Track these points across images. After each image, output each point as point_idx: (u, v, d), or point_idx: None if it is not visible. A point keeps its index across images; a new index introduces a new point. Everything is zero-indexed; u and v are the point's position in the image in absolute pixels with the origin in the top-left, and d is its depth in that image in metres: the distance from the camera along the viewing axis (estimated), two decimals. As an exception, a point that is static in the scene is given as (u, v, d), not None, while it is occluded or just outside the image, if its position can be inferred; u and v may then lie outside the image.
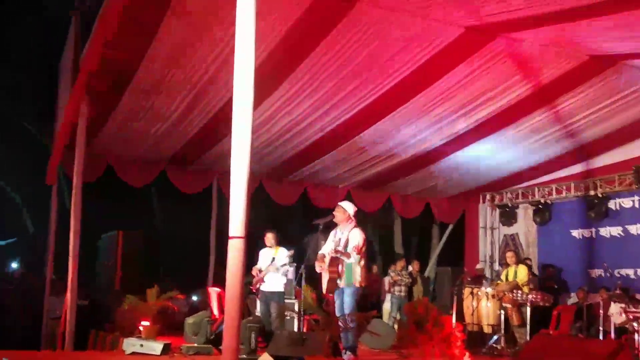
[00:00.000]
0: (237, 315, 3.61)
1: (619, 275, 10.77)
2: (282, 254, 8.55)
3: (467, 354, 6.41)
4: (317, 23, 6.69)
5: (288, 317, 8.61)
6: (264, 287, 8.49)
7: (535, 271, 11.90)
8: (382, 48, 7.19)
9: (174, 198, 13.55)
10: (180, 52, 7.26)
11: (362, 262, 7.29)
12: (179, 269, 15.26)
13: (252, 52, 3.91)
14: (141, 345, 7.43)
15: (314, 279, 8.83)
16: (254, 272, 8.54)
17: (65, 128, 9.13)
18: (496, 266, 13.25)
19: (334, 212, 7.60)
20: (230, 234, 3.61)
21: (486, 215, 13.80)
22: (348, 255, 7.14)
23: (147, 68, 7.63)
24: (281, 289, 8.42)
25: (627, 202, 11.26)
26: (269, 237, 8.71)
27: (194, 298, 12.67)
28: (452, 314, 8.59)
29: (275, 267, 8.38)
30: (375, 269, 13.06)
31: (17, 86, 18.67)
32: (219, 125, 9.00)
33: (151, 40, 6.96)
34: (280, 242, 8.81)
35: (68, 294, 7.86)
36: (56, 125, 11.03)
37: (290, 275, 8.93)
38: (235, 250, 3.59)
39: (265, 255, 8.65)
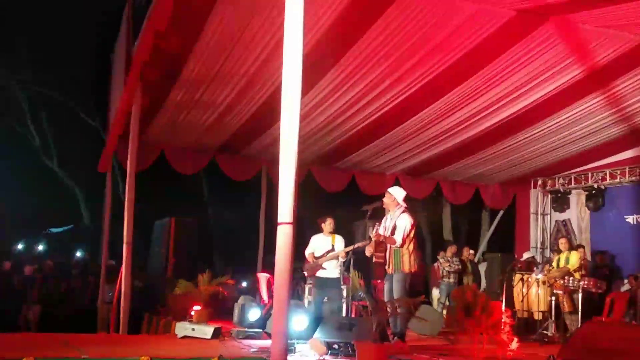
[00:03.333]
0: (286, 300, 3.68)
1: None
2: (341, 242, 8.63)
3: (516, 340, 6.36)
4: (365, 8, 6.66)
5: (341, 304, 8.70)
6: (322, 274, 8.59)
7: (588, 258, 11.70)
8: (432, 33, 7.11)
9: (225, 186, 13.79)
10: (229, 41, 7.34)
11: (412, 248, 7.29)
12: (230, 255, 15.53)
13: (301, 40, 3.95)
14: (193, 329, 7.63)
15: (362, 265, 8.88)
16: (309, 258, 8.65)
17: (119, 117, 9.36)
18: (547, 252, 13.06)
19: (383, 199, 7.63)
20: (279, 220, 3.68)
21: (537, 200, 13.60)
22: (393, 241, 7.15)
23: (197, 58, 7.77)
24: (339, 275, 8.51)
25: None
26: (329, 224, 8.76)
27: (244, 284, 12.89)
28: (501, 301, 8.52)
29: (336, 254, 8.48)
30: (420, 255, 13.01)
31: (73, 78, 19.18)
32: (267, 113, 9.10)
33: (201, 31, 7.08)
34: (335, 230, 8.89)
35: (122, 279, 8.09)
36: (110, 115, 11.33)
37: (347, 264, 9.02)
38: (284, 236, 3.65)
39: (321, 242, 8.72)
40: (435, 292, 11.78)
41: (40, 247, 20.44)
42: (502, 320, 6.12)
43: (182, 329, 7.70)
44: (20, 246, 19.66)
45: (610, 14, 6.50)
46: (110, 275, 11.20)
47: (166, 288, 10.50)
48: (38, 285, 12.12)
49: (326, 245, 8.60)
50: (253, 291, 10.96)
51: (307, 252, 8.63)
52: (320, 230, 8.78)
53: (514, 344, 6.28)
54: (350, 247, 8.29)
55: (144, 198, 9.44)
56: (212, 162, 11.90)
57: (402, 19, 6.80)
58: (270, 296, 9.18)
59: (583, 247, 11.80)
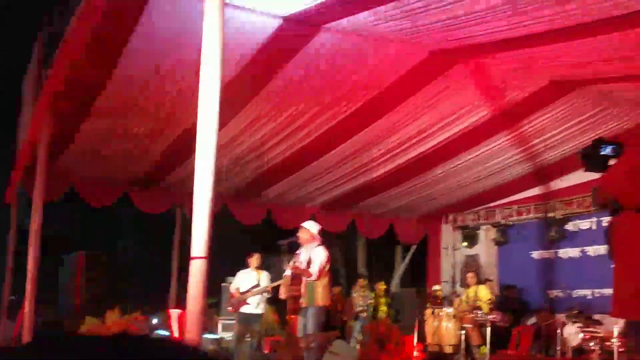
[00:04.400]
0: (198, 335, 3.63)
1: (576, 296, 11.00)
2: (267, 277, 8.59)
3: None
4: (284, 46, 6.77)
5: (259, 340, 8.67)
6: (246, 309, 8.52)
7: (496, 292, 12.07)
8: (347, 72, 7.30)
9: (138, 220, 13.46)
10: (146, 73, 7.26)
11: (326, 281, 7.35)
12: (141, 291, 15.13)
13: (218, 73, 3.97)
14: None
15: (275, 300, 8.86)
16: (235, 293, 8.57)
17: (26, 147, 9.04)
18: (458, 287, 13.39)
19: (297, 234, 7.67)
20: (193, 254, 3.64)
21: (448, 236, 13.97)
22: (309, 274, 7.19)
23: (112, 89, 7.60)
24: (262, 311, 8.46)
25: (585, 224, 11.49)
26: (255, 259, 8.73)
27: (155, 320, 12.57)
28: (413, 334, 8.68)
29: (260, 289, 8.42)
30: (336, 289, 13.09)
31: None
32: (183, 146, 9.01)
33: (117, 61, 6.95)
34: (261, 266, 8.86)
35: (24, 315, 7.73)
36: (17, 143, 10.91)
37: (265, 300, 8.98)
38: (197, 270, 3.61)
39: (246, 277, 8.66)
40: (351, 326, 11.85)
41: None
42: (414, 354, 6.22)
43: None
44: None
45: (519, 56, 6.87)
46: (12, 310, 10.68)
47: (73, 324, 10.12)
48: None
49: (252, 280, 8.56)
50: (164, 327, 10.70)
51: (233, 287, 8.59)
52: (246, 266, 8.75)
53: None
54: (277, 283, 8.28)
55: (53, 231, 9.13)
56: (126, 195, 11.63)
57: (319, 57, 6.94)
58: (182, 332, 9.00)
59: (491, 280, 12.21)
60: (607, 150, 4.61)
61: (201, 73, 3.99)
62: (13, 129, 11.66)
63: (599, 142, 4.77)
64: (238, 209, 12.26)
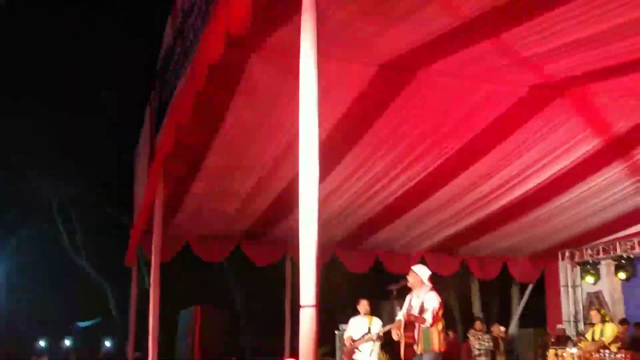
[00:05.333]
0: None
1: None
2: (378, 323, 8.56)
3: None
4: (379, 94, 6.83)
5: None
6: (359, 357, 8.50)
7: (623, 328, 11.38)
8: (446, 114, 7.27)
9: (249, 273, 13.76)
10: (248, 133, 7.53)
11: (440, 327, 7.20)
12: (257, 342, 15.35)
13: (316, 128, 4.04)
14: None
15: (389, 346, 8.76)
16: (346, 342, 8.59)
17: (143, 210, 9.50)
18: (581, 326, 12.75)
19: (407, 277, 7.60)
20: (302, 303, 3.67)
21: (567, 272, 13.38)
22: (423, 320, 7.07)
23: (218, 150, 7.93)
24: (375, 358, 8.41)
25: None
26: (363, 305, 8.76)
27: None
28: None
29: (371, 336, 8.40)
30: (452, 334, 12.77)
31: (99, 175, 19.66)
32: (288, 199, 9.20)
33: (221, 123, 7.27)
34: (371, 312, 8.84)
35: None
36: (134, 208, 11.52)
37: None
38: (307, 318, 3.63)
39: (358, 324, 8.67)
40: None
41: (67, 343, 20.39)
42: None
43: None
44: (42, 343, 19.64)
45: (623, 83, 6.60)
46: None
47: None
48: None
49: (363, 327, 8.55)
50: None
51: (346, 335, 8.60)
52: (357, 313, 8.77)
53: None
54: (387, 328, 8.21)
55: (169, 288, 9.47)
56: (237, 249, 11.96)
57: (416, 102, 6.95)
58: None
59: (618, 318, 11.54)
60: None
61: (300, 126, 4.08)
62: (129, 195, 12.35)
63: None
64: (347, 257, 12.32)
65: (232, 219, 10.65)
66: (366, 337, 8.41)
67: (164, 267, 8.64)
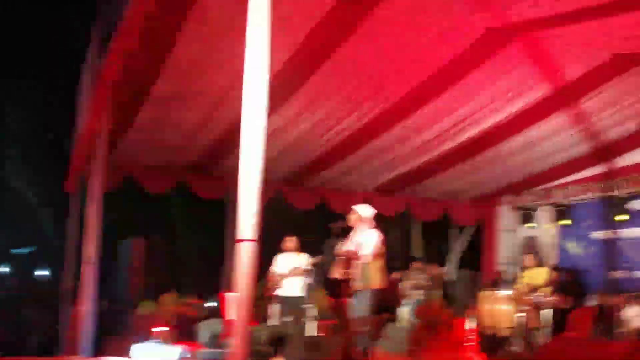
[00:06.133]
0: (247, 319, 3.63)
1: (638, 277, 10.67)
2: (305, 260, 8.58)
3: (482, 357, 6.39)
4: (334, 29, 6.70)
5: (304, 323, 8.65)
6: (283, 292, 8.53)
7: (556, 273, 11.79)
8: (400, 52, 7.20)
9: (193, 206, 13.63)
10: (199, 60, 7.32)
11: (380, 264, 7.29)
12: (196, 276, 15.35)
13: (266, 60, 3.94)
14: (153, 350, 7.46)
15: (330, 284, 8.87)
16: (271, 277, 8.60)
17: (86, 137, 9.25)
18: (516, 269, 13.14)
19: (348, 216, 7.64)
20: (239, 236, 3.63)
21: (506, 217, 13.70)
22: (358, 257, 7.15)
23: (166, 78, 7.70)
24: (301, 293, 8.46)
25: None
26: (291, 241, 8.73)
27: (211, 304, 12.75)
28: (467, 317, 8.56)
29: (299, 272, 8.42)
30: (397, 275, 13.02)
31: (38, 94, 19.00)
32: (236, 133, 9.05)
33: (170, 50, 7.04)
34: (301, 248, 8.85)
35: (82, 301, 7.92)
36: (76, 133, 11.19)
37: (311, 282, 8.98)
38: (244, 253, 3.60)
39: (284, 260, 8.68)
40: (404, 309, 11.76)
41: (3, 269, 20.05)
42: (466, 337, 6.14)
43: (140, 350, 7.49)
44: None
45: (576, 32, 6.64)
46: (75, 297, 10.99)
47: (130, 309, 10.34)
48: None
49: (290, 262, 8.57)
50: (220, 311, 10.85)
51: (271, 270, 8.62)
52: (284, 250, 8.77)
53: (479, 360, 6.30)
54: (314, 260, 8.28)
55: (112, 219, 9.33)
56: (181, 182, 11.81)
57: (370, 38, 6.85)
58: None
59: (551, 263, 11.94)
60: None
61: (246, 61, 3.97)
62: (72, 119, 11.95)
63: None
64: (292, 194, 12.31)
65: (178, 150, 10.46)
66: (295, 271, 8.44)
67: (106, 197, 8.48)
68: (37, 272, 19.28)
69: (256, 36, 3.94)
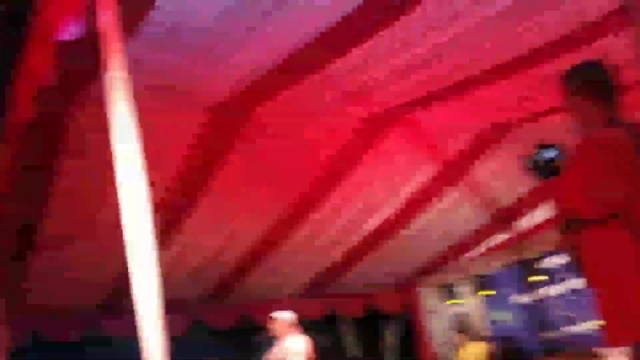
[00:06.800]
0: None
1: (571, 333, 10.70)
2: None
3: None
4: (213, 142, 6.66)
5: None
6: None
7: (491, 345, 11.69)
8: (282, 158, 7.23)
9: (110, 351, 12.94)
10: (83, 198, 7.07)
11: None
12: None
13: (144, 192, 3.70)
14: None
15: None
16: None
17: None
18: (452, 349, 12.96)
19: (269, 326, 7.37)
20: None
21: (431, 298, 13.59)
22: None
23: (51, 220, 7.37)
24: None
25: (561, 259, 11.30)
26: None
27: None
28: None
29: None
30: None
31: None
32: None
33: (50, 190, 6.77)
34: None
35: None
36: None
37: None
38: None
39: None
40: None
41: None
42: None
43: None
44: None
45: (450, 109, 6.84)
46: None
47: None
48: None
49: None
50: None
51: None
52: None
53: None
54: None
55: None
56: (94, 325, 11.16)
57: (252, 147, 6.84)
58: None
59: (483, 336, 11.84)
60: (552, 154, 4.36)
61: (122, 196, 3.74)
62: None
63: (542, 147, 4.45)
64: (210, 314, 11.84)
65: (84, 289, 9.95)
66: None
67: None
68: None
69: (128, 166, 3.72)
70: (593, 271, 3.93)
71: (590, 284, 3.99)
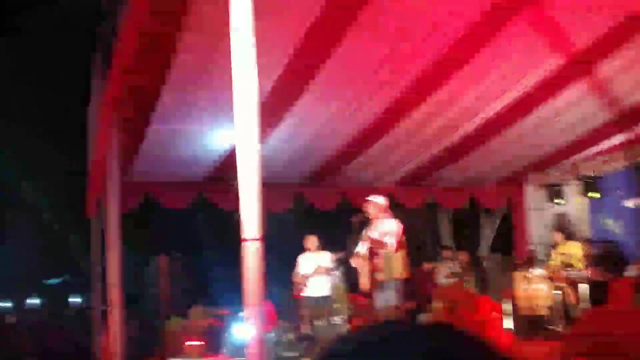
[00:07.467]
0: (259, 321, 3.51)
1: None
2: (327, 258, 8.47)
3: (508, 336, 6.20)
4: (333, 22, 6.54)
5: (335, 322, 8.51)
6: (309, 292, 8.43)
7: (590, 247, 11.49)
8: (401, 41, 7.03)
9: (213, 219, 13.56)
10: (199, 69, 7.22)
11: (404, 253, 7.15)
12: (222, 288, 15.25)
13: (254, 59, 3.78)
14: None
15: (349, 277, 8.73)
16: (296, 279, 8.50)
17: (98, 158, 9.23)
18: (548, 247, 12.85)
19: (365, 208, 7.52)
20: (245, 236, 3.51)
21: (534, 196, 13.41)
22: (383, 245, 7.01)
23: (170, 91, 7.64)
24: (327, 292, 8.35)
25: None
26: (312, 241, 8.63)
27: (240, 314, 12.61)
28: (503, 300, 8.36)
29: (322, 271, 8.31)
30: (427, 264, 12.83)
31: (48, 120, 19.17)
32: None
33: (169, 63, 6.95)
34: (325, 247, 8.73)
35: (112, 325, 7.86)
36: (88, 157, 11.19)
37: (336, 280, 8.85)
38: (250, 253, 3.48)
39: (307, 260, 8.58)
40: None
41: (34, 301, 20.11)
42: (491, 317, 5.96)
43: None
44: (8, 303, 19.32)
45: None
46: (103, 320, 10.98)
47: (160, 326, 10.31)
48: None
49: (312, 262, 8.47)
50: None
51: (295, 273, 8.52)
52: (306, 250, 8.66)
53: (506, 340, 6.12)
54: (336, 256, 8.18)
55: (135, 239, 9.28)
56: (201, 195, 11.72)
57: (371, 29, 6.67)
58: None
59: (583, 237, 11.63)
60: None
61: (234, 60, 3.83)
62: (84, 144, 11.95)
63: None
64: (312, 194, 12.17)
65: (193, 163, 10.40)
66: (318, 270, 8.34)
67: (127, 218, 8.39)
68: (71, 300, 19.34)
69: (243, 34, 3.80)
70: None
71: None
